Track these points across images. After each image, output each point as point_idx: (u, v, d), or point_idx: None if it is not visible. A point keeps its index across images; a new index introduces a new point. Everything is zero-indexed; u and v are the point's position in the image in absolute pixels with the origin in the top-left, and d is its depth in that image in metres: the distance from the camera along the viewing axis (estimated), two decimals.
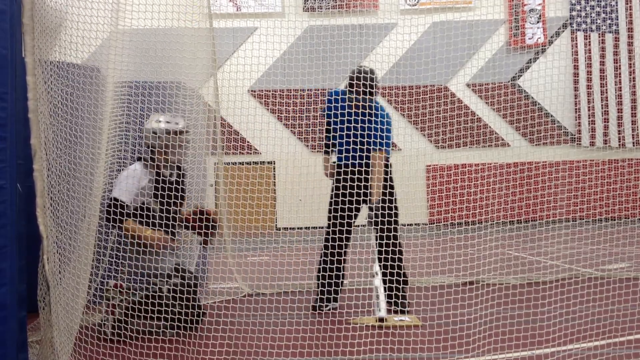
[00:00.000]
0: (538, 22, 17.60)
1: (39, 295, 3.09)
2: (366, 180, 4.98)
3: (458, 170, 14.61)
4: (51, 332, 3.09)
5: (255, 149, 13.07)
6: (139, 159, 4.59)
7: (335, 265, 5.06)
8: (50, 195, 3.14)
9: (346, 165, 5.11)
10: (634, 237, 8.71)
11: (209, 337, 3.97)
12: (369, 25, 15.99)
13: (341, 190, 5.03)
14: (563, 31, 17.62)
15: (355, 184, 4.96)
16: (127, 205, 4.34)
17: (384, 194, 4.98)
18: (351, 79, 5.03)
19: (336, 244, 5.03)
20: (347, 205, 5.02)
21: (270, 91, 15.59)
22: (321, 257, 5.17)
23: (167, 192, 4.36)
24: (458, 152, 16.08)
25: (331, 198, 5.16)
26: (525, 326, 4.07)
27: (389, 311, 4.88)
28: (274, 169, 13.69)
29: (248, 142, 12.16)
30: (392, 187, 5.11)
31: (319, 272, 5.09)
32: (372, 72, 5.05)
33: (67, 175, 3.32)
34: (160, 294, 4.18)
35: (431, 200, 15.09)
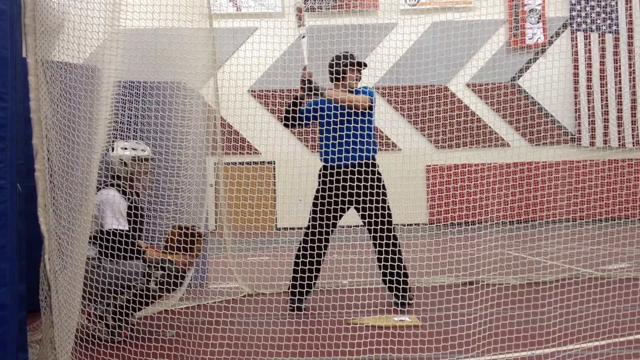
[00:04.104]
0: (538, 22, 17.60)
1: (40, 295, 3.10)
2: (352, 180, 4.91)
3: (458, 170, 14.65)
4: (52, 332, 3.10)
5: (255, 149, 13.08)
6: (111, 185, 4.38)
7: (316, 266, 4.98)
8: (51, 195, 3.14)
9: (338, 166, 5.01)
10: (634, 237, 8.71)
11: (209, 337, 3.96)
12: (369, 25, 15.97)
13: (327, 192, 4.96)
14: (563, 31, 17.63)
15: (340, 185, 4.90)
16: (129, 231, 4.23)
17: (371, 194, 4.91)
18: (337, 65, 5.04)
19: (315, 245, 4.96)
20: (332, 207, 4.95)
21: (270, 91, 15.59)
22: (299, 257, 5.06)
23: (137, 218, 4.33)
24: (458, 152, 16.09)
25: (316, 199, 5.05)
26: (525, 326, 4.07)
27: (389, 311, 4.88)
28: (274, 169, 13.69)
29: (248, 142, 12.17)
30: (381, 186, 5.01)
31: (297, 272, 4.99)
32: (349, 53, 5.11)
33: (68, 174, 3.31)
34: (147, 291, 4.16)
35: (431, 200, 15.10)
